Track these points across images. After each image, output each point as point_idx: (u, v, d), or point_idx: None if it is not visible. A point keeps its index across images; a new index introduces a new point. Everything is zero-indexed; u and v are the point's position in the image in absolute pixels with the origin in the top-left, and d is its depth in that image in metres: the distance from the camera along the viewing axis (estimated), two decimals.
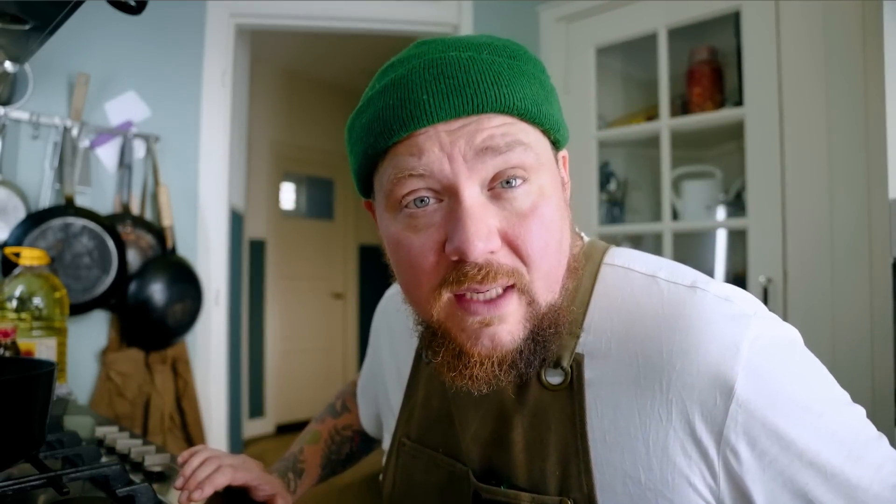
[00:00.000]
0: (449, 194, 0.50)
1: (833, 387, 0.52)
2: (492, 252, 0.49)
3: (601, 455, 0.53)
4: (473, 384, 0.52)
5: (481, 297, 0.51)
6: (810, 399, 0.49)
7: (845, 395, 0.52)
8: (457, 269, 0.50)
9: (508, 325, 0.51)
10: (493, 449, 0.59)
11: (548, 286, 0.52)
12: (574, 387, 0.54)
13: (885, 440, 0.51)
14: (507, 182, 0.50)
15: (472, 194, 0.49)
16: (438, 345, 0.54)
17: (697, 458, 0.49)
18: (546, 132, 0.54)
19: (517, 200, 0.50)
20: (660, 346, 0.51)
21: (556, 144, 0.57)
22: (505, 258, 0.50)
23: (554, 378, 0.56)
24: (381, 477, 0.75)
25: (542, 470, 0.55)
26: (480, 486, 0.58)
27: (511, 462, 0.57)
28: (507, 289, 0.51)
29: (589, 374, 0.54)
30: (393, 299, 0.83)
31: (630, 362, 0.52)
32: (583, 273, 0.58)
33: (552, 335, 0.53)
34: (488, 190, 0.51)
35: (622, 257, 0.59)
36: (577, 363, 0.55)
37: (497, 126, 0.49)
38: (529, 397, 0.57)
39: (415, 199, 0.51)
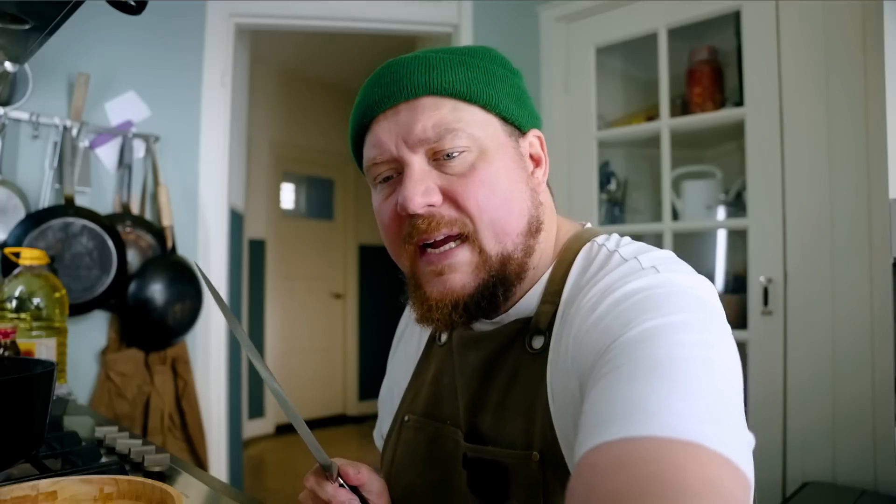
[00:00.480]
0: (401, 167, 0.62)
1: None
2: (431, 205, 0.60)
3: (555, 408, 0.58)
4: (433, 324, 0.63)
5: (437, 250, 0.61)
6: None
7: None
8: (409, 223, 0.61)
9: (459, 274, 0.61)
10: (476, 411, 0.66)
11: (495, 236, 0.61)
12: (547, 348, 0.61)
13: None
14: (447, 156, 0.61)
15: (416, 163, 0.61)
16: (412, 292, 0.64)
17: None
18: (487, 109, 0.63)
19: (456, 166, 0.61)
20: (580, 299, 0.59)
21: (514, 123, 0.65)
22: (447, 211, 0.60)
23: (537, 343, 0.62)
24: (380, 458, 0.78)
25: (515, 427, 0.61)
26: (467, 445, 0.65)
27: (489, 421, 0.64)
28: (459, 243, 0.61)
29: (553, 339, 0.61)
30: (405, 318, 0.91)
31: (565, 318, 0.60)
32: (567, 253, 0.65)
33: (506, 283, 0.62)
34: (433, 160, 0.61)
35: (612, 241, 0.65)
36: (551, 329, 0.61)
37: (431, 113, 0.60)
38: (509, 360, 0.64)
39: (383, 178, 0.64)
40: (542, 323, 0.62)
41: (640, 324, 0.50)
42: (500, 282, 0.61)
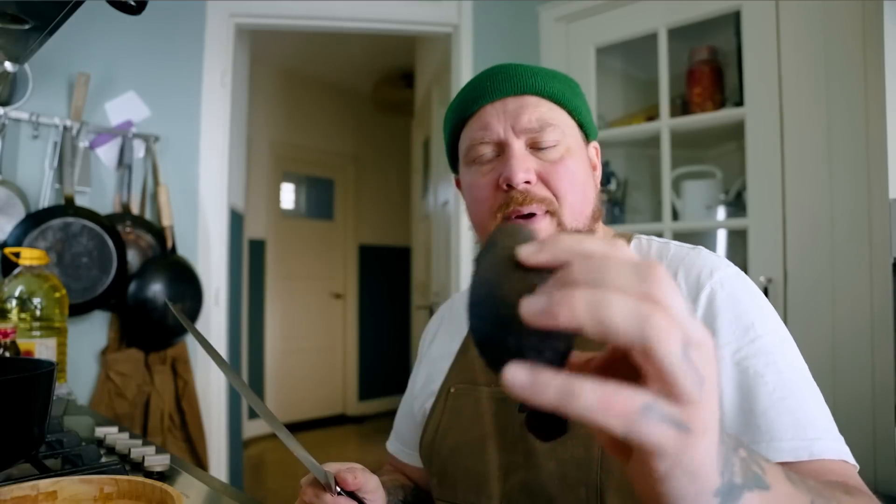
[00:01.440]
0: (503, 149, 0.74)
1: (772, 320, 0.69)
2: (528, 183, 0.72)
3: None
4: None
5: (523, 215, 0.71)
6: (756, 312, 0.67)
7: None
8: (506, 196, 0.72)
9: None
10: None
11: (574, 217, 0.73)
12: None
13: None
14: (543, 144, 0.73)
15: (518, 146, 0.73)
16: None
17: None
18: (572, 115, 0.77)
19: (549, 153, 0.74)
20: None
21: (585, 132, 0.80)
22: (539, 189, 0.72)
23: None
24: (420, 437, 0.83)
25: None
26: None
27: None
28: (544, 214, 0.72)
29: None
30: (438, 314, 0.98)
31: None
32: (619, 238, 0.80)
33: None
34: (530, 146, 0.74)
35: (646, 236, 0.81)
36: None
37: (534, 108, 0.73)
38: None
39: (482, 155, 0.76)
40: None
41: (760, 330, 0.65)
42: None
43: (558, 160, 0.73)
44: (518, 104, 0.74)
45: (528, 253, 0.31)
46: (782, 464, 0.54)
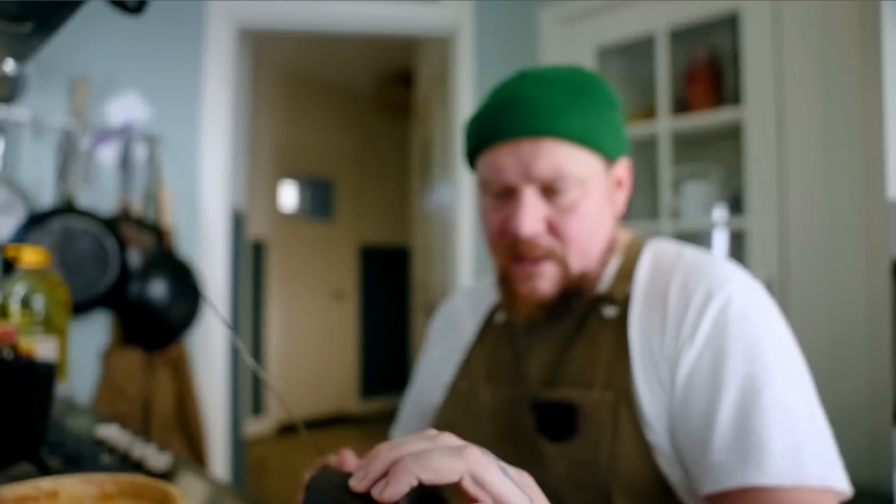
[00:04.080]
0: (515, 192, 0.72)
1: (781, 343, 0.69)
2: (536, 235, 0.71)
3: (634, 361, 0.69)
4: (519, 316, 0.75)
5: (530, 262, 0.72)
6: (756, 337, 0.66)
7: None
8: (513, 239, 0.72)
9: (545, 282, 0.73)
10: (555, 366, 0.75)
11: (580, 259, 0.73)
12: (624, 316, 0.73)
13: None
14: (556, 192, 0.71)
15: (528, 194, 0.71)
16: (501, 283, 0.77)
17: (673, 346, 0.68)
18: (595, 151, 0.72)
19: (563, 199, 0.71)
20: (666, 284, 0.72)
21: (609, 156, 0.75)
22: (545, 241, 0.72)
23: (609, 312, 0.74)
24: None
25: (594, 374, 0.71)
26: (539, 390, 0.74)
27: (569, 372, 0.73)
28: (549, 259, 0.72)
29: (631, 307, 0.73)
30: (447, 307, 0.99)
31: (650, 297, 0.72)
32: (633, 248, 0.78)
33: (579, 289, 0.74)
34: (542, 192, 0.71)
35: (661, 241, 0.80)
36: (626, 301, 0.74)
37: (550, 154, 0.69)
38: (589, 327, 0.75)
39: (495, 191, 0.74)
40: (618, 296, 0.74)
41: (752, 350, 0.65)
42: (575, 290, 0.74)
43: (570, 207, 0.71)
44: (532, 149, 0.70)
45: (356, 481, 0.40)
46: (764, 489, 0.58)
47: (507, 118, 0.71)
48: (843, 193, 1.61)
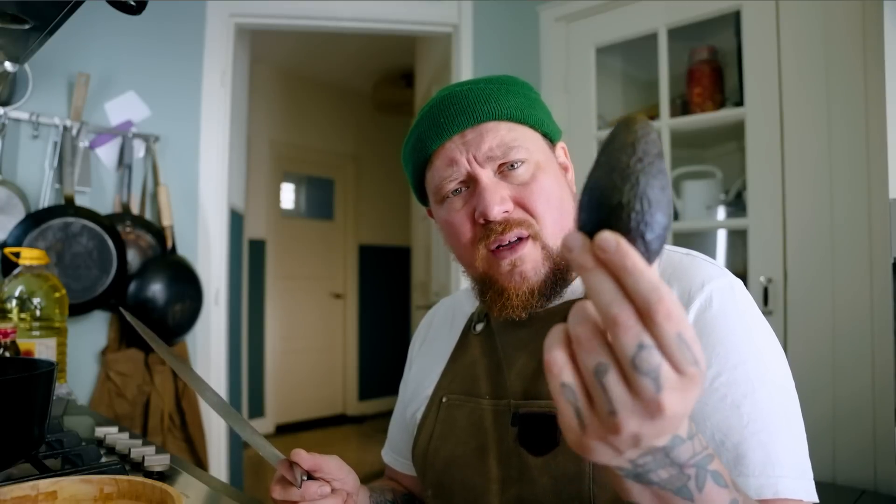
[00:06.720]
0: (473, 181, 0.73)
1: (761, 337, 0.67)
2: (506, 212, 0.71)
3: None
4: (514, 312, 0.71)
5: (505, 244, 0.70)
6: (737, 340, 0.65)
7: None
8: (485, 228, 0.72)
9: (528, 264, 0.71)
10: (535, 376, 0.73)
11: (554, 234, 0.72)
12: None
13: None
14: (511, 166, 0.72)
15: (487, 176, 0.72)
16: (486, 289, 0.74)
17: None
18: (534, 128, 0.76)
19: (520, 175, 0.72)
20: None
21: (549, 138, 0.78)
22: (517, 214, 0.71)
23: None
24: (412, 445, 0.84)
25: None
26: (520, 403, 0.72)
27: (542, 381, 0.72)
28: (526, 239, 0.70)
29: None
30: (426, 319, 0.99)
31: None
32: None
33: (565, 271, 0.73)
34: (498, 173, 0.73)
35: None
36: None
37: (493, 134, 0.72)
38: None
39: (452, 191, 0.75)
40: None
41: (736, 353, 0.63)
42: (560, 270, 0.72)
43: (530, 180, 0.72)
44: (476, 133, 0.73)
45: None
46: None
47: (448, 116, 0.74)
48: (844, 193, 1.61)
